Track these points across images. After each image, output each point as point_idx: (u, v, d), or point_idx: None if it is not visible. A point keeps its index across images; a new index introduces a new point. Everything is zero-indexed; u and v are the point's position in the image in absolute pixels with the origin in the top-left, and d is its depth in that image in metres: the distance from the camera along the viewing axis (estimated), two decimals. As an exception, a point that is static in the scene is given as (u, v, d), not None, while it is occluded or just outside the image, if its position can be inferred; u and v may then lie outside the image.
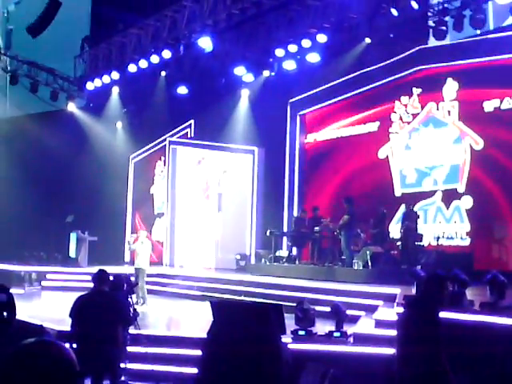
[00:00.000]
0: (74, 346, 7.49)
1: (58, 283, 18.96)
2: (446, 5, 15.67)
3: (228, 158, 23.04)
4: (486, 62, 16.53)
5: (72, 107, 24.80)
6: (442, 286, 6.38)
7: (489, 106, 16.58)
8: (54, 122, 24.57)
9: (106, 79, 22.46)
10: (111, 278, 8.36)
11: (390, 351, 8.62)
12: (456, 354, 6.23)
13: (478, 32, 16.20)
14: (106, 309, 7.47)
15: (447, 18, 15.73)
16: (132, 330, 8.99)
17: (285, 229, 20.58)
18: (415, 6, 15.61)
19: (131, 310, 8.88)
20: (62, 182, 24.80)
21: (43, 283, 19.31)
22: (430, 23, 16.28)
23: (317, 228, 17.65)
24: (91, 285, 7.93)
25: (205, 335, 8.53)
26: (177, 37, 19.84)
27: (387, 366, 8.52)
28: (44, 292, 18.74)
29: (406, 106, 18.63)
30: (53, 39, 23.85)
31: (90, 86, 23.18)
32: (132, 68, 21.14)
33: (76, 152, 24.40)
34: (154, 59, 20.31)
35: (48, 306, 15.57)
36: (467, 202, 16.90)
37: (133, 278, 13.73)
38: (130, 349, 8.83)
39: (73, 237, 21.29)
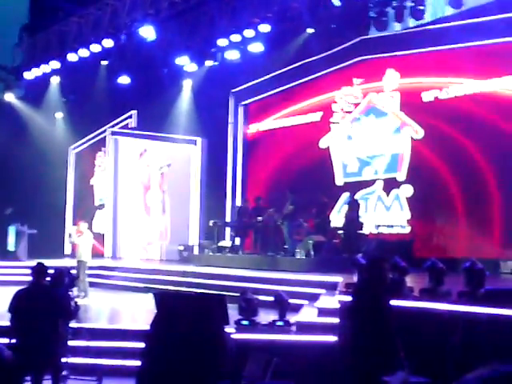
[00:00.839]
0: (14, 341, 7.36)
1: (-3, 277, 18.53)
2: (386, -5, 15.85)
3: (171, 149, 22.89)
4: (425, 53, 16.78)
5: (10, 97, 24.27)
6: (382, 269, 6.45)
7: (428, 96, 16.86)
8: (-10, 113, 24.01)
9: (46, 68, 22.03)
10: (51, 271, 8.23)
11: (333, 339, 8.72)
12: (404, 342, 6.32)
13: (422, 22, 16.42)
14: (46, 303, 7.35)
15: (388, 9, 15.92)
16: (73, 324, 8.87)
17: (228, 219, 20.58)
18: (356, -4, 15.74)
19: (72, 303, 8.75)
20: (0, 174, 24.25)
21: (-19, 277, 18.85)
22: (372, 14, 16.45)
23: (260, 218, 17.69)
24: (31, 279, 7.79)
25: (148, 327, 8.49)
26: (118, 26, 19.57)
27: (330, 354, 8.62)
28: (-18, 286, 18.29)
29: (347, 95, 18.79)
30: (-11, 28, 23.30)
31: (28, 75, 22.69)
32: (72, 57, 20.77)
33: (14, 143, 23.84)
34: (95, 48, 19.99)
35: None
36: (407, 190, 17.16)
37: (74, 271, 13.54)
38: (71, 343, 8.71)
39: (11, 230, 20.83)
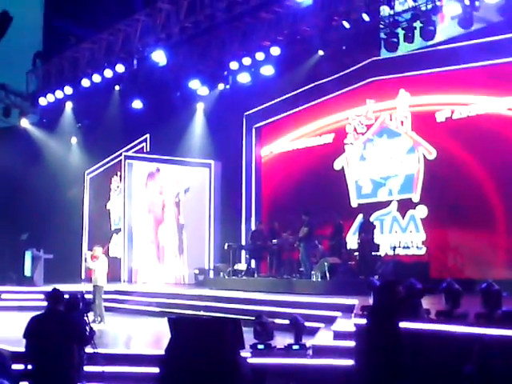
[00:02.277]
0: (29, 366, 7.35)
1: (14, 303, 18.53)
2: (396, 17, 15.88)
3: (184, 173, 22.92)
4: (437, 73, 16.79)
5: (25, 123, 24.47)
6: (394, 292, 6.41)
7: (440, 116, 16.83)
8: (6, 139, 24.19)
9: (59, 94, 22.20)
10: (66, 296, 8.23)
11: (349, 362, 8.65)
12: (413, 363, 6.27)
13: (432, 42, 16.43)
14: (61, 329, 7.34)
15: (398, 30, 15.95)
16: (88, 349, 8.84)
17: (243, 242, 20.56)
18: (366, 18, 15.78)
19: (87, 328, 8.73)
20: (16, 200, 24.39)
21: (-2, 303, 18.89)
22: (382, 35, 16.50)
23: (275, 240, 17.67)
24: (46, 304, 7.79)
25: (163, 352, 8.47)
26: (130, 51, 19.73)
27: (347, 378, 8.55)
28: (-1, 312, 18.33)
29: (359, 117, 18.81)
30: (4, 54, 23.54)
31: (42, 101, 22.88)
32: (85, 83, 20.94)
33: (30, 168, 24.03)
34: (108, 73, 20.14)
35: (3, 327, 15.23)
36: (422, 211, 17.09)
37: (89, 296, 13.54)
38: (86, 368, 8.68)
39: (28, 255, 20.88)
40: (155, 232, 23.39)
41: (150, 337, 14.15)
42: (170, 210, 23.34)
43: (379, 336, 6.25)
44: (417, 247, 17.05)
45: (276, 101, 20.56)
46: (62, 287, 7.91)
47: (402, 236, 17.47)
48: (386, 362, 6.12)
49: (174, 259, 22.91)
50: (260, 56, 17.80)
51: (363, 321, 8.25)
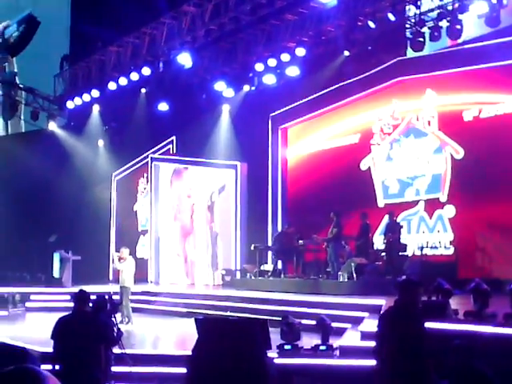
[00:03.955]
0: (57, 367, 7.42)
1: (43, 304, 18.76)
2: (422, 16, 15.79)
3: (214, 173, 22.96)
4: (463, 72, 16.65)
5: (53, 126, 24.71)
6: (416, 292, 6.37)
7: (468, 115, 16.69)
8: (34, 142, 24.49)
9: (87, 97, 22.41)
10: (94, 297, 8.31)
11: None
12: (441, 364, 6.22)
13: (459, 41, 16.32)
14: (88, 329, 7.41)
15: (424, 29, 15.85)
16: (116, 350, 8.91)
17: (269, 243, 20.54)
18: (392, 18, 15.72)
19: (115, 329, 8.80)
20: (45, 202, 24.66)
21: (27, 304, 19.09)
22: (408, 35, 16.41)
23: (301, 241, 17.65)
24: (73, 305, 7.88)
25: (190, 353, 8.51)
26: (156, 54, 19.87)
27: (374, 379, 8.50)
28: (28, 313, 18.53)
29: (386, 117, 18.71)
30: (32, 58, 23.83)
31: (70, 104, 23.12)
32: (112, 86, 21.12)
33: (58, 171, 24.29)
34: (134, 76, 20.30)
35: (32, 328, 15.40)
36: (450, 211, 16.96)
37: (116, 297, 13.63)
38: (114, 369, 8.74)
39: (56, 257, 21.10)
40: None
41: (176, 337, 14.22)
42: (200, 216, 23.14)
43: (400, 337, 6.22)
44: (444, 247, 16.92)
45: (301, 102, 20.51)
46: (90, 288, 8.01)
47: (429, 236, 17.34)
48: (407, 363, 6.09)
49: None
50: (285, 57, 17.81)
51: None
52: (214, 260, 22.57)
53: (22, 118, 25.10)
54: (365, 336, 10.33)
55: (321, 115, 20.45)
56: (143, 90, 22.00)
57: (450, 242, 16.86)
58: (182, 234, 23.38)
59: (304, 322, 11.17)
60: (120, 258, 15.58)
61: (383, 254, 16.24)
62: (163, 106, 21.63)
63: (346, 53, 18.11)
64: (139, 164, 25.02)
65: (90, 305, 8.12)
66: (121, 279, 15.46)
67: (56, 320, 7.72)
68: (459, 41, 16.15)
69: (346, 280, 15.44)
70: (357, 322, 11.62)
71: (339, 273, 15.71)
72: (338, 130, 20.00)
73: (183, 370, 8.75)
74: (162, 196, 23.56)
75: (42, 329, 13.27)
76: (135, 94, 22.11)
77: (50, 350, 7.84)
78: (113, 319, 9.23)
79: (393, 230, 16.11)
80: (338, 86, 19.36)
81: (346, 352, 9.83)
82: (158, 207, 23.38)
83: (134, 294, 16.08)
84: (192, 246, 23.14)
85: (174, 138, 24.05)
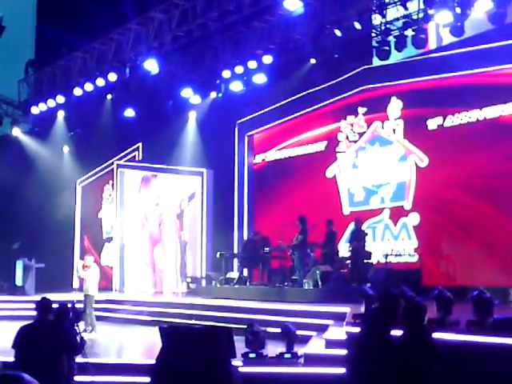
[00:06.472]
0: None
1: (5, 312, 18.40)
2: (388, 25, 15.94)
3: (180, 181, 22.84)
4: (428, 81, 16.83)
5: (17, 132, 24.43)
6: (397, 304, 6.38)
7: (432, 123, 16.86)
8: (-2, 148, 24.17)
9: (51, 103, 22.18)
10: (56, 305, 8.17)
11: (341, 371, 8.60)
12: (405, 371, 6.23)
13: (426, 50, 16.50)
14: (50, 338, 7.29)
15: (390, 38, 16.00)
16: (79, 359, 8.78)
17: (235, 250, 20.51)
18: (358, 26, 15.83)
19: (78, 338, 8.67)
20: (8, 208, 24.31)
21: (-11, 313, 18.78)
22: (374, 43, 16.54)
23: (267, 249, 17.63)
24: (35, 314, 7.75)
25: (154, 361, 8.42)
26: (122, 59, 19.73)
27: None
28: (-10, 322, 18.22)
29: (352, 125, 18.83)
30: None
31: (34, 110, 22.85)
32: (77, 91, 20.93)
33: (22, 177, 23.97)
34: (100, 82, 20.13)
35: (-6, 336, 15.14)
36: (414, 218, 17.10)
37: (80, 305, 13.46)
38: (77, 378, 8.62)
39: (19, 264, 20.81)
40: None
41: (141, 346, 14.08)
42: (169, 225, 22.99)
43: (378, 345, 6.21)
44: (409, 255, 17.04)
45: (268, 109, 20.56)
46: (54, 296, 7.88)
47: (394, 244, 17.47)
48: (383, 371, 6.09)
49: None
50: (252, 64, 17.85)
51: (355, 329, 8.23)
52: (182, 269, 22.43)
53: (-14, 123, 24.71)
54: (329, 344, 10.33)
55: (287, 123, 20.52)
56: (109, 96, 21.82)
57: (414, 250, 16.99)
58: (151, 243, 23.21)
59: (269, 329, 11.14)
60: (84, 266, 15.40)
61: (348, 261, 16.28)
62: (129, 113, 21.51)
63: (313, 61, 18.23)
64: (105, 171, 24.79)
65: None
66: (84, 287, 15.29)
67: (18, 328, 7.58)
68: (424, 50, 16.33)
69: (312, 288, 15.44)
70: (322, 329, 11.62)
71: (304, 280, 15.70)
72: (305, 138, 20.07)
73: (147, 379, 8.65)
74: (128, 203, 23.36)
75: (3, 338, 13.05)
76: (101, 100, 21.93)
77: (12, 359, 7.70)
78: (76, 328, 9.10)
79: (358, 238, 16.17)
80: (304, 93, 19.45)
81: (311, 360, 9.81)
82: (124, 214, 23.16)
83: (97, 302, 15.89)
84: (160, 255, 22.96)
85: (140, 144, 23.90)
